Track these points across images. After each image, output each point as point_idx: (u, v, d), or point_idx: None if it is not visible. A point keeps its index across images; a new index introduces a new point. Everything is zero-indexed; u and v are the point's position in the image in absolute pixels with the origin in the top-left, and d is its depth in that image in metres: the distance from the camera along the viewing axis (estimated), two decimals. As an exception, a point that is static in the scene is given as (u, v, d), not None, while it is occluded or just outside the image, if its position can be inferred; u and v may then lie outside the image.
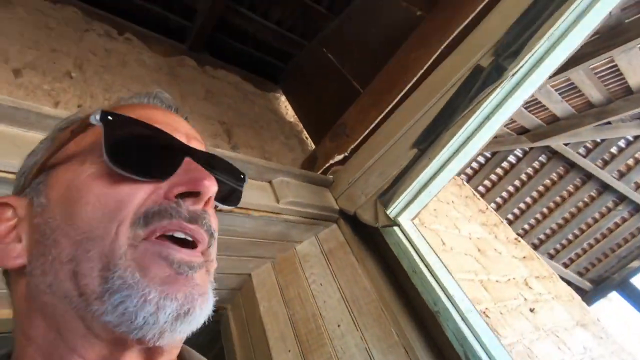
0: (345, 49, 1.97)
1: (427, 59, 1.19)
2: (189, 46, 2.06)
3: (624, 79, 2.78)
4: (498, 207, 4.29)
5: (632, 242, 4.41)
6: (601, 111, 3.17)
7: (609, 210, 4.19)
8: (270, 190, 1.33)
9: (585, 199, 4.13)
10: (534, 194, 4.16)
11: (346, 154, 1.45)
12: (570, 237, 4.46)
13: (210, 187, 0.38)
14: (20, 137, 0.90)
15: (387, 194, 1.26)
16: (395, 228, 1.25)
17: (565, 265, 4.67)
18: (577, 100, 3.17)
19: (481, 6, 1.10)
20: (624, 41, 2.21)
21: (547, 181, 4.07)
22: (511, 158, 3.89)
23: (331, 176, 1.50)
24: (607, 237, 4.40)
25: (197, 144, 0.45)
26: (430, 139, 1.17)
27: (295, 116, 2.30)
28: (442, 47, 1.16)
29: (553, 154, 3.83)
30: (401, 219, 1.27)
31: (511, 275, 2.37)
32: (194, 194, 0.38)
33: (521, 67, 0.99)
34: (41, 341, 0.36)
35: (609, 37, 2.25)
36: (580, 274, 4.71)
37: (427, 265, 1.17)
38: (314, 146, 2.06)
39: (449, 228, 2.32)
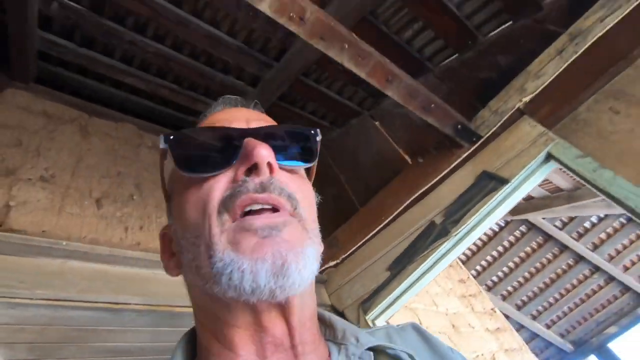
0: (341, 156, 2.42)
1: (399, 205, 1.62)
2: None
3: (586, 173, 3.20)
4: (483, 270, 4.64)
5: (609, 308, 4.70)
6: (570, 195, 3.59)
7: (586, 277, 4.52)
8: (278, 292, 1.71)
9: (563, 267, 4.48)
10: (516, 259, 4.52)
11: (338, 261, 1.85)
12: (551, 300, 4.76)
13: (262, 153, 0.41)
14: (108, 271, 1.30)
15: (367, 303, 1.64)
16: (372, 330, 1.62)
17: (548, 326, 4.94)
18: (549, 185, 3.60)
19: (440, 176, 1.54)
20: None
21: (528, 248, 4.44)
22: (494, 226, 4.28)
23: (325, 276, 1.89)
24: (586, 302, 4.70)
25: (258, 124, 0.48)
26: (399, 267, 1.58)
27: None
28: (410, 200, 1.58)
29: (532, 225, 4.22)
30: (378, 322, 1.65)
31: (480, 352, 2.68)
32: (254, 167, 0.42)
33: (460, 231, 1.41)
34: (208, 324, 0.45)
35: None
36: (562, 336, 4.97)
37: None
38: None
39: (428, 305, 2.66)
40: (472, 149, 1.40)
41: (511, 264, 4.56)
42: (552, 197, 3.73)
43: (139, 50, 1.78)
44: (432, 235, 1.48)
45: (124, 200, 1.71)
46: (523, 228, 4.29)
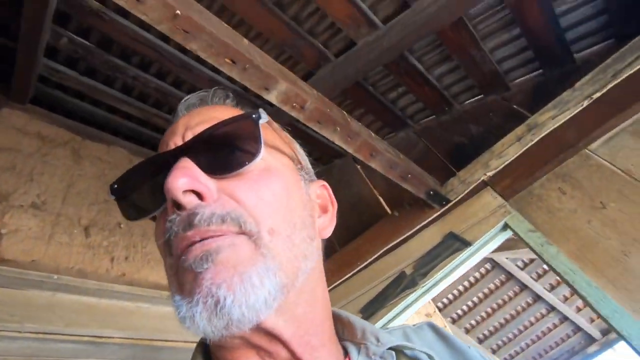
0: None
1: (374, 253, 1.75)
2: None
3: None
4: (449, 303, 4.84)
5: (562, 346, 4.99)
6: (531, 239, 3.87)
7: (542, 316, 4.80)
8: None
9: (523, 305, 4.75)
10: (480, 294, 4.75)
11: (313, 298, 1.95)
12: (510, 335, 5.01)
13: (172, 187, 0.36)
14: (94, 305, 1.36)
15: (338, 342, 1.75)
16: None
17: (506, 361, 5.18)
18: (513, 229, 3.89)
19: (412, 230, 1.68)
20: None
21: (492, 285, 4.69)
22: (461, 262, 4.51)
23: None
24: (541, 340, 4.98)
25: (194, 132, 0.42)
26: (370, 310, 1.70)
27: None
28: (384, 249, 1.72)
29: (496, 264, 4.48)
30: (346, 361, 1.75)
31: (440, 388, 2.81)
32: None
33: (427, 283, 1.55)
34: (211, 345, 0.44)
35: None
36: (518, 371, 5.21)
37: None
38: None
39: (394, 340, 2.77)
40: (441, 210, 1.57)
41: (475, 299, 4.78)
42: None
43: (140, 84, 1.87)
44: (401, 285, 1.62)
45: (110, 228, 1.76)
46: (488, 266, 4.55)
